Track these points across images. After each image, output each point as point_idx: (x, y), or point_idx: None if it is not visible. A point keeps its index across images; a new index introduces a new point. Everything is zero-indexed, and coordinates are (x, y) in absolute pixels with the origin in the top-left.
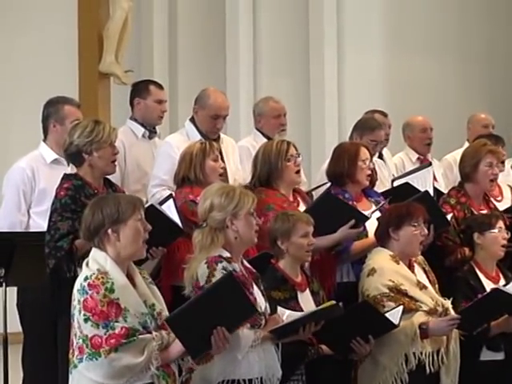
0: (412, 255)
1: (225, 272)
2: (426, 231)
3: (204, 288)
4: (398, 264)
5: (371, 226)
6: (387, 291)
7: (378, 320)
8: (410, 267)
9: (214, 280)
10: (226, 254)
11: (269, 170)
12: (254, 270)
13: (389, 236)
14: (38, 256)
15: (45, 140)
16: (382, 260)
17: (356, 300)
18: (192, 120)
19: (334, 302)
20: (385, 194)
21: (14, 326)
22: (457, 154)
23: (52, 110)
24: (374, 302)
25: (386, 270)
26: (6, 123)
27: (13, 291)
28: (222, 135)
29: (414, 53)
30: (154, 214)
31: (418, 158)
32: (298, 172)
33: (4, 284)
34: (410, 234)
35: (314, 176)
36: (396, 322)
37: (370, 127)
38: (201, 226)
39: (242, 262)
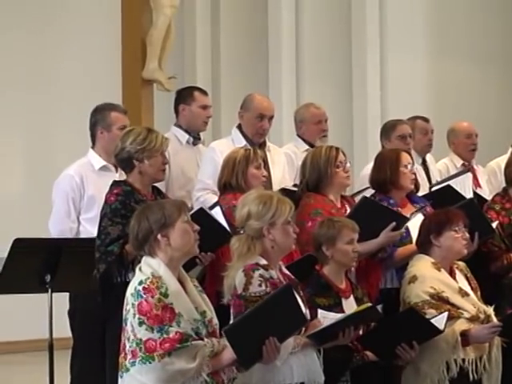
0: (457, 256)
1: (262, 280)
2: (468, 235)
3: (261, 299)
4: (440, 271)
5: (416, 231)
6: (428, 298)
7: (423, 326)
8: (452, 274)
9: (251, 288)
10: (263, 262)
11: (318, 177)
12: (293, 277)
13: (430, 243)
14: (83, 262)
15: (93, 147)
16: (423, 267)
17: (399, 306)
18: (239, 127)
19: (369, 304)
20: (427, 197)
21: (60, 331)
22: (501, 161)
23: (99, 117)
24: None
25: (427, 277)
26: (50, 130)
27: (58, 297)
28: (268, 143)
29: (457, 57)
30: (203, 218)
31: (463, 164)
32: (347, 177)
33: (50, 290)
34: (452, 239)
35: (354, 181)
36: (441, 327)
37: (390, 126)
38: (238, 232)
39: (281, 269)
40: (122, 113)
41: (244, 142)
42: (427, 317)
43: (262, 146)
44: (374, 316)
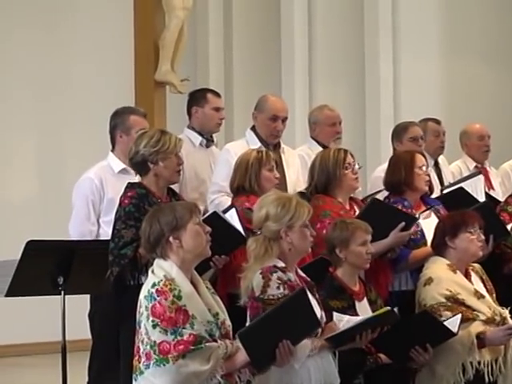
0: (473, 258)
1: (280, 282)
2: (483, 237)
3: (276, 303)
4: (455, 273)
5: (430, 233)
6: (444, 300)
7: (437, 329)
8: (467, 276)
9: (269, 290)
10: (281, 264)
11: (327, 179)
12: (309, 279)
13: (446, 245)
14: (96, 264)
15: (113, 150)
16: (438, 269)
17: (414, 308)
18: (253, 129)
19: (389, 308)
20: (439, 199)
21: (73, 333)
22: None
23: (118, 120)
24: (430, 311)
25: (442, 280)
26: (61, 132)
27: (71, 299)
28: (283, 145)
29: (471, 59)
30: (217, 221)
31: (476, 166)
32: (356, 179)
33: (63, 292)
34: (467, 241)
35: (366, 183)
36: (455, 330)
37: (402, 128)
38: (255, 233)
39: (297, 271)
40: (142, 116)
41: (259, 144)
42: (443, 319)
43: (277, 147)
44: (392, 319)
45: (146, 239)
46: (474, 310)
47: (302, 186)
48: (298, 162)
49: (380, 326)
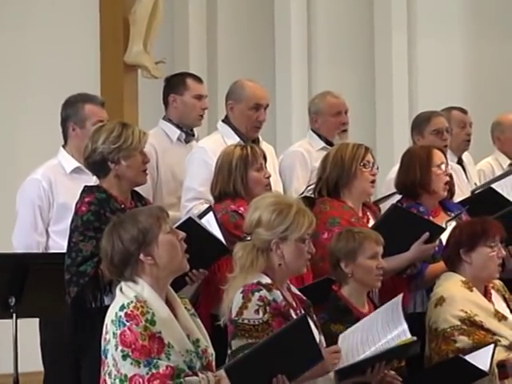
0: (488, 279)
1: (261, 304)
2: (504, 252)
3: (254, 328)
4: (472, 291)
5: None
6: (459, 323)
7: (468, 372)
8: (486, 294)
9: (245, 312)
10: (266, 280)
11: (339, 174)
12: (305, 298)
13: (460, 259)
14: (54, 282)
15: (64, 146)
16: (452, 287)
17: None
18: (225, 121)
19: (415, 338)
20: (465, 203)
21: (26, 365)
22: None
23: (71, 110)
24: (443, 336)
25: (456, 299)
26: (14, 125)
27: (25, 325)
28: (261, 139)
29: (502, 37)
30: (193, 229)
31: (511, 164)
32: (372, 182)
33: (14, 315)
34: (486, 257)
35: (379, 185)
36: (486, 367)
37: (424, 119)
38: (244, 238)
39: (290, 288)
40: (99, 105)
41: (237, 139)
42: (457, 345)
43: (256, 142)
44: (412, 351)
45: (108, 261)
46: (495, 334)
47: (279, 185)
48: (276, 161)
49: (397, 357)
